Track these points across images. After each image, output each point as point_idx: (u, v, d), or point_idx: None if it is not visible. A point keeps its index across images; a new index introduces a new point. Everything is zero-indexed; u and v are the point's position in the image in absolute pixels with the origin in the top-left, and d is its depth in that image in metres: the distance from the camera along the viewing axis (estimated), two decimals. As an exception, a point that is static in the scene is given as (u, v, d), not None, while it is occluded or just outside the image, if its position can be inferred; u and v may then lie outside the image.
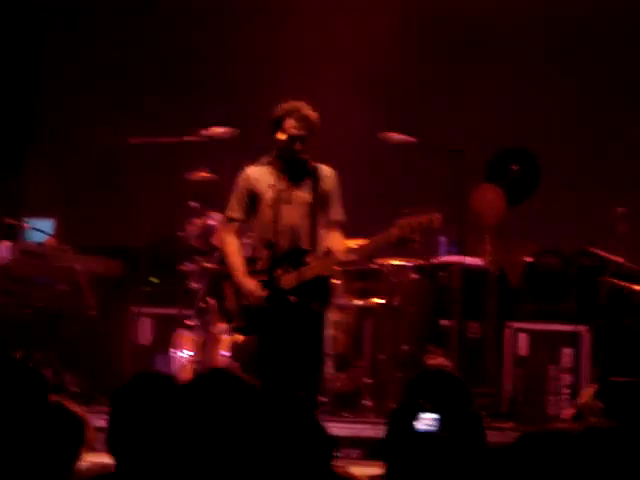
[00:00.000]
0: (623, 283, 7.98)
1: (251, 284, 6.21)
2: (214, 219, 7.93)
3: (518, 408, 8.21)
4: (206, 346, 7.63)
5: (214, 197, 7.82)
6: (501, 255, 9.18)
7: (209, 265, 7.87)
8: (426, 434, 3.52)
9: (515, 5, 9.79)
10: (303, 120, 6.10)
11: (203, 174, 8.13)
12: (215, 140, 7.92)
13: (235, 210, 6.33)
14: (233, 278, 6.28)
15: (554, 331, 8.40)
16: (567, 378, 8.24)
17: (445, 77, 9.83)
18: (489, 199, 9.23)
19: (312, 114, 6.15)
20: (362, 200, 8.54)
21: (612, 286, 8.06)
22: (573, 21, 9.72)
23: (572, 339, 8.22)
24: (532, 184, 9.20)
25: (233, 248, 6.32)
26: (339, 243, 6.29)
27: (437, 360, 8.29)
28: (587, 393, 7.88)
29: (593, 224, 8.61)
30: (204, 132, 7.93)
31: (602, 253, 8.05)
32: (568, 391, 8.19)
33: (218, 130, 7.92)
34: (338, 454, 3.43)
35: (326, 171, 6.30)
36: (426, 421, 3.62)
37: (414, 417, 3.57)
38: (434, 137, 8.86)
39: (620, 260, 8.01)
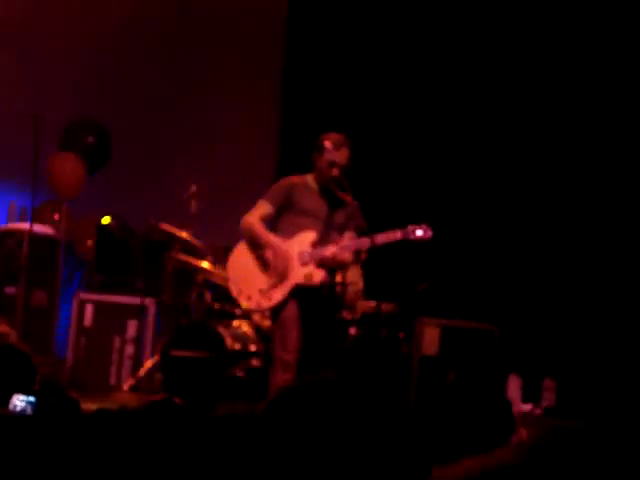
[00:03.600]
0: (188, 259, 8.17)
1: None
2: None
3: (80, 377, 8.22)
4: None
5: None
6: (72, 225, 9.11)
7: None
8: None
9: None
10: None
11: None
12: None
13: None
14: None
15: (121, 303, 8.47)
16: (131, 349, 8.34)
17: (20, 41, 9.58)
18: (68, 168, 9.14)
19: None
20: None
21: (178, 261, 8.24)
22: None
23: (138, 311, 8.32)
24: (104, 156, 9.22)
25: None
26: None
27: (0, 328, 8.10)
28: (148, 365, 8.07)
29: (164, 199, 8.73)
30: None
31: (170, 229, 8.19)
32: (131, 362, 8.29)
33: None
34: None
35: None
36: (20, 403, 3.48)
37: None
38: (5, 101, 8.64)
39: (187, 236, 8.20)
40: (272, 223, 6.65)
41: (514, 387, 8.28)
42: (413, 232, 6.40)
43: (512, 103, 9.45)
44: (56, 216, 8.90)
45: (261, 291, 6.49)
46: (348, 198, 6.59)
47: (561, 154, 9.29)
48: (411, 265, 8.71)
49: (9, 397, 3.83)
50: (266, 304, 6.52)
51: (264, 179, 7.01)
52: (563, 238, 9.19)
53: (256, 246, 6.57)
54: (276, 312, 6.52)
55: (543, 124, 9.37)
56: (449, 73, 9.61)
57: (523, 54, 9.43)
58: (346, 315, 7.95)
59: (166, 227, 8.18)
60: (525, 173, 9.36)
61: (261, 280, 6.51)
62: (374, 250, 6.48)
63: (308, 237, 6.49)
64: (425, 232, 6.42)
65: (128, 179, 9.44)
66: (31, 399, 3.63)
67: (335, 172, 6.46)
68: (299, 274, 6.46)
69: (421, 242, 6.42)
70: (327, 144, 6.45)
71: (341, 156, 6.46)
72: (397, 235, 6.39)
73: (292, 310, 6.45)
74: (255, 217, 6.55)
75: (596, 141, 9.16)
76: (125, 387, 8.11)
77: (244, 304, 6.67)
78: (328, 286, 6.56)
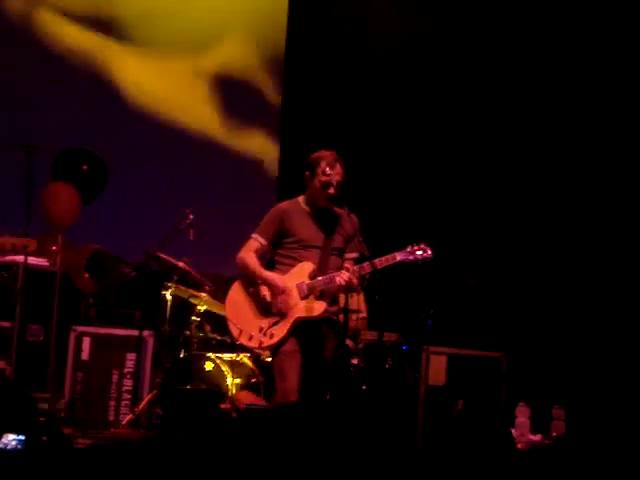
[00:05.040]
0: (187, 290, 8.04)
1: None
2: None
3: (77, 413, 8.05)
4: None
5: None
6: (68, 257, 8.97)
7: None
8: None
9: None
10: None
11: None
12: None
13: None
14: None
15: (119, 335, 8.30)
16: (129, 383, 8.17)
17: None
18: (63, 198, 9.01)
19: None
20: None
21: (177, 292, 8.10)
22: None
23: (136, 344, 8.14)
24: (99, 185, 9.11)
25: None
26: None
27: (-5, 364, 7.97)
28: (147, 399, 7.90)
29: (162, 228, 8.60)
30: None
31: (169, 258, 8.05)
32: (129, 396, 8.11)
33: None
34: None
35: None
36: (10, 441, 3.40)
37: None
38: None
39: (184, 266, 8.07)
40: (269, 255, 6.51)
41: (523, 416, 8.12)
42: (412, 252, 6.27)
43: (513, 124, 9.42)
44: (52, 247, 8.74)
45: (261, 329, 6.34)
46: (345, 213, 6.40)
47: (568, 179, 9.22)
48: (415, 293, 8.58)
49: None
50: (268, 342, 6.36)
51: (264, 206, 6.82)
52: (572, 265, 9.10)
53: (252, 283, 6.44)
54: (276, 346, 6.36)
55: (543, 144, 9.32)
56: (446, 98, 9.59)
57: (522, 84, 9.42)
58: (349, 343, 7.79)
59: (163, 256, 8.03)
60: (533, 196, 9.29)
61: (260, 318, 6.37)
62: (376, 277, 6.31)
63: (305, 269, 6.35)
64: (425, 251, 6.28)
65: (124, 208, 9.34)
66: (21, 437, 3.51)
67: (331, 191, 6.30)
68: (299, 308, 6.32)
69: (422, 263, 6.27)
70: (321, 164, 6.30)
71: (336, 173, 6.29)
72: (396, 257, 6.25)
73: (292, 343, 6.31)
74: (248, 253, 6.42)
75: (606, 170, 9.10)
76: (124, 422, 7.94)
77: (246, 344, 6.52)
78: (330, 320, 6.40)
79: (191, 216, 8.16)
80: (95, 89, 9.74)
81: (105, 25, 9.91)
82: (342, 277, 6.21)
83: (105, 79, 9.85)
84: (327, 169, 6.27)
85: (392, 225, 9.00)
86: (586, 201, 9.15)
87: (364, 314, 8.00)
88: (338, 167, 6.30)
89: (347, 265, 6.30)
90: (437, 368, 7.71)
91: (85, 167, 8.98)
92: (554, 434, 8.17)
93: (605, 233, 9.06)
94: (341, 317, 6.45)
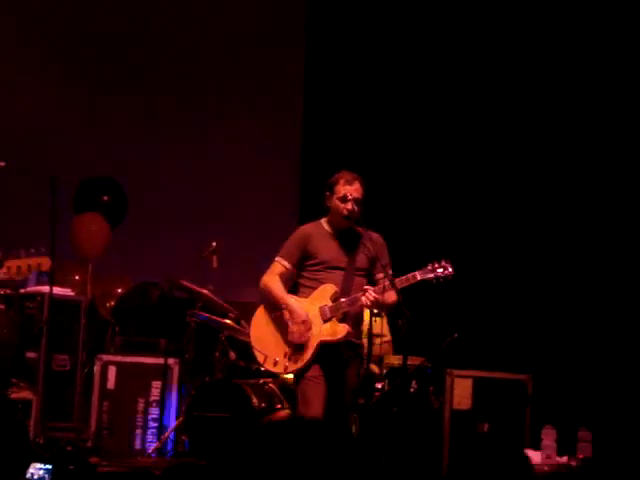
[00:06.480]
0: (212, 317, 8.04)
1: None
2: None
3: (104, 443, 8.05)
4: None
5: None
6: (94, 286, 9.00)
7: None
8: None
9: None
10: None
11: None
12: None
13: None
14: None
15: (144, 363, 8.31)
16: (155, 411, 8.18)
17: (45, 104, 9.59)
18: (93, 229, 9.05)
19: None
20: None
21: (201, 319, 8.10)
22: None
23: (162, 372, 8.16)
24: (120, 214, 9.14)
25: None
26: None
27: (22, 394, 7.96)
28: (173, 427, 7.90)
29: (184, 256, 8.63)
30: None
31: (193, 286, 8.06)
32: (155, 424, 8.12)
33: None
34: None
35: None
36: (37, 471, 3.42)
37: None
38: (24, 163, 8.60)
39: (208, 293, 8.09)
40: (293, 278, 6.51)
41: (549, 439, 8.07)
42: (433, 270, 6.25)
43: (538, 142, 9.38)
44: (77, 277, 8.78)
45: (286, 354, 6.33)
46: (368, 233, 6.41)
47: (589, 194, 9.17)
48: (440, 316, 8.54)
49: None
50: (292, 367, 6.35)
51: (286, 231, 6.85)
52: (597, 287, 9.03)
53: (276, 308, 6.43)
54: (301, 371, 6.35)
55: (561, 165, 9.29)
56: (466, 116, 9.57)
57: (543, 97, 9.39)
58: (373, 369, 7.77)
59: (186, 283, 8.06)
60: (558, 216, 9.23)
61: (285, 343, 6.36)
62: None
63: (328, 291, 6.35)
64: (445, 269, 6.26)
65: (146, 237, 9.35)
66: (48, 467, 3.53)
67: (349, 206, 6.31)
68: (322, 331, 6.31)
69: (444, 281, 6.25)
70: (339, 181, 6.34)
71: (354, 190, 6.32)
72: (417, 276, 6.23)
73: (315, 368, 6.30)
74: (272, 277, 6.42)
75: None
76: (151, 451, 7.94)
77: (271, 370, 6.51)
78: (353, 344, 6.38)
79: (214, 243, 8.19)
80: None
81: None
82: (368, 297, 6.19)
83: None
84: (346, 186, 6.31)
85: (412, 243, 8.97)
86: (612, 216, 9.09)
87: (387, 338, 7.98)
88: (357, 184, 6.34)
89: (367, 287, 6.27)
90: (462, 392, 7.68)
91: (106, 198, 9.03)
92: (580, 456, 8.11)
93: (632, 252, 9.00)
94: (364, 341, 6.44)
